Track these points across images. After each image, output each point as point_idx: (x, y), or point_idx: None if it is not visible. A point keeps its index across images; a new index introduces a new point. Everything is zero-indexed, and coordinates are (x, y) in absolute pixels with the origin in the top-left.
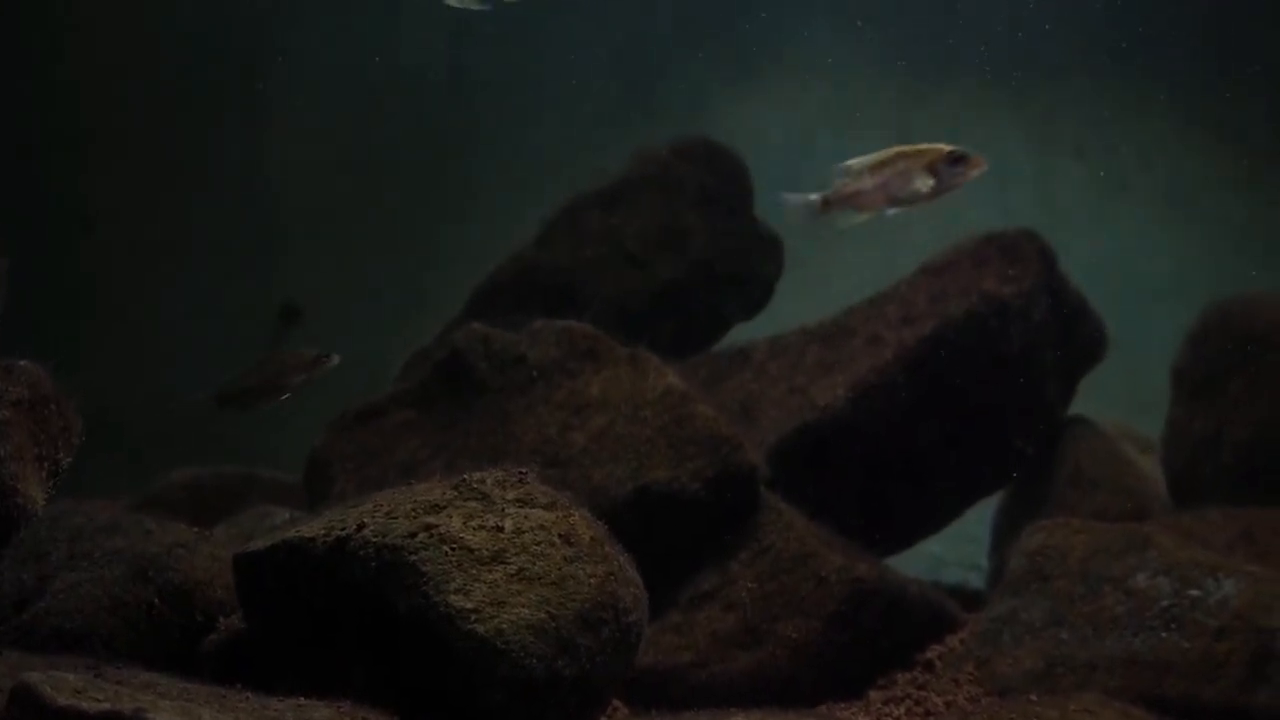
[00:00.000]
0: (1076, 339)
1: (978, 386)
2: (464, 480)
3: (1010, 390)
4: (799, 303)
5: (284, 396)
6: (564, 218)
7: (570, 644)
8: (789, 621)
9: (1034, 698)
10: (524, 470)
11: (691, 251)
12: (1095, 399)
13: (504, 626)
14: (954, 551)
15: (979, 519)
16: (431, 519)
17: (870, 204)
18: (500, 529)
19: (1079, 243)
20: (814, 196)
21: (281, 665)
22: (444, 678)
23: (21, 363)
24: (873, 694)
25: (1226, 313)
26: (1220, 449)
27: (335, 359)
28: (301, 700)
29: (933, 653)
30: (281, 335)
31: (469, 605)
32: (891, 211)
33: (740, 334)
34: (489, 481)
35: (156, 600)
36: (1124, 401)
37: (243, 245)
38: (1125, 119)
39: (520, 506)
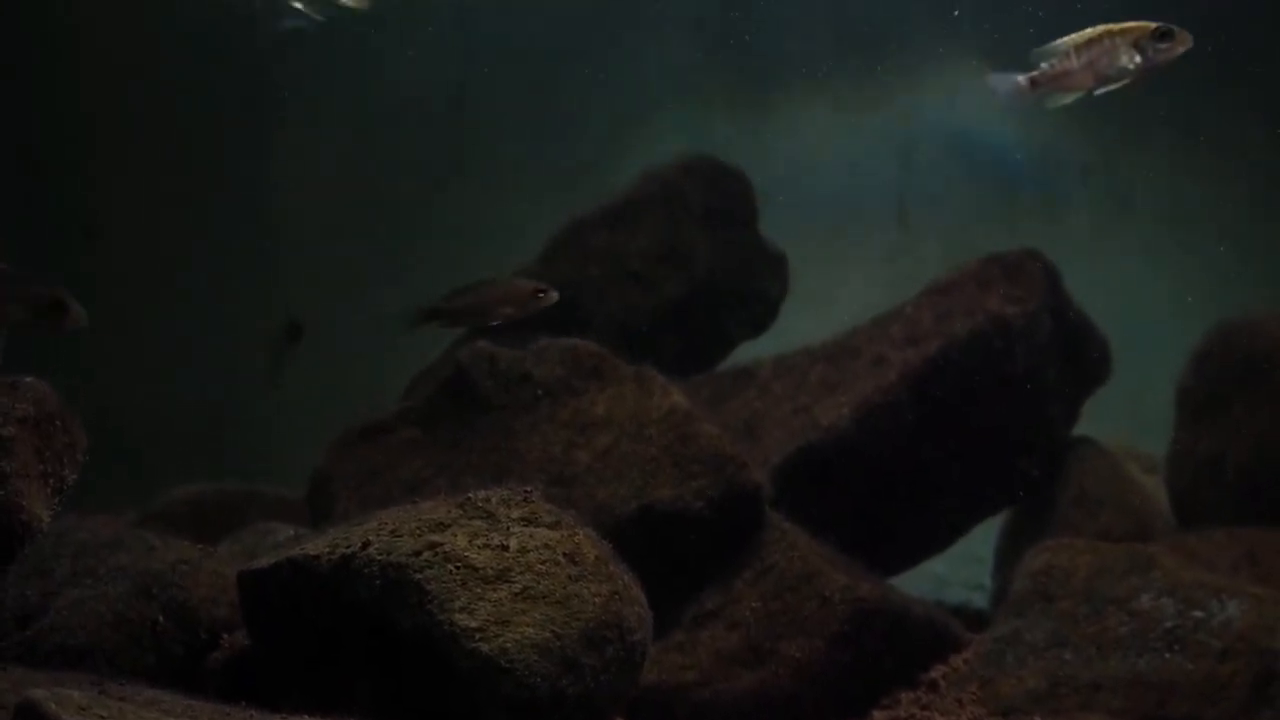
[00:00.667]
0: (1081, 359)
1: (982, 407)
2: (469, 499)
3: (1014, 410)
4: (803, 321)
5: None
6: (569, 235)
7: (574, 663)
8: (792, 641)
9: (1038, 718)
10: (529, 489)
11: (696, 270)
12: (1099, 419)
13: (508, 645)
14: (958, 571)
15: (983, 539)
16: (436, 537)
17: (1078, 84)
18: (505, 548)
19: (1084, 263)
20: (1021, 78)
21: (285, 683)
22: (448, 696)
23: (27, 379)
24: (876, 714)
25: (1230, 333)
26: (1224, 469)
27: (554, 295)
28: (305, 718)
29: (936, 673)
30: (284, 351)
31: (473, 624)
32: (1099, 91)
33: (745, 353)
34: (494, 500)
35: (160, 617)
36: (1128, 422)
37: (246, 260)
38: (1129, 139)
39: (525, 525)
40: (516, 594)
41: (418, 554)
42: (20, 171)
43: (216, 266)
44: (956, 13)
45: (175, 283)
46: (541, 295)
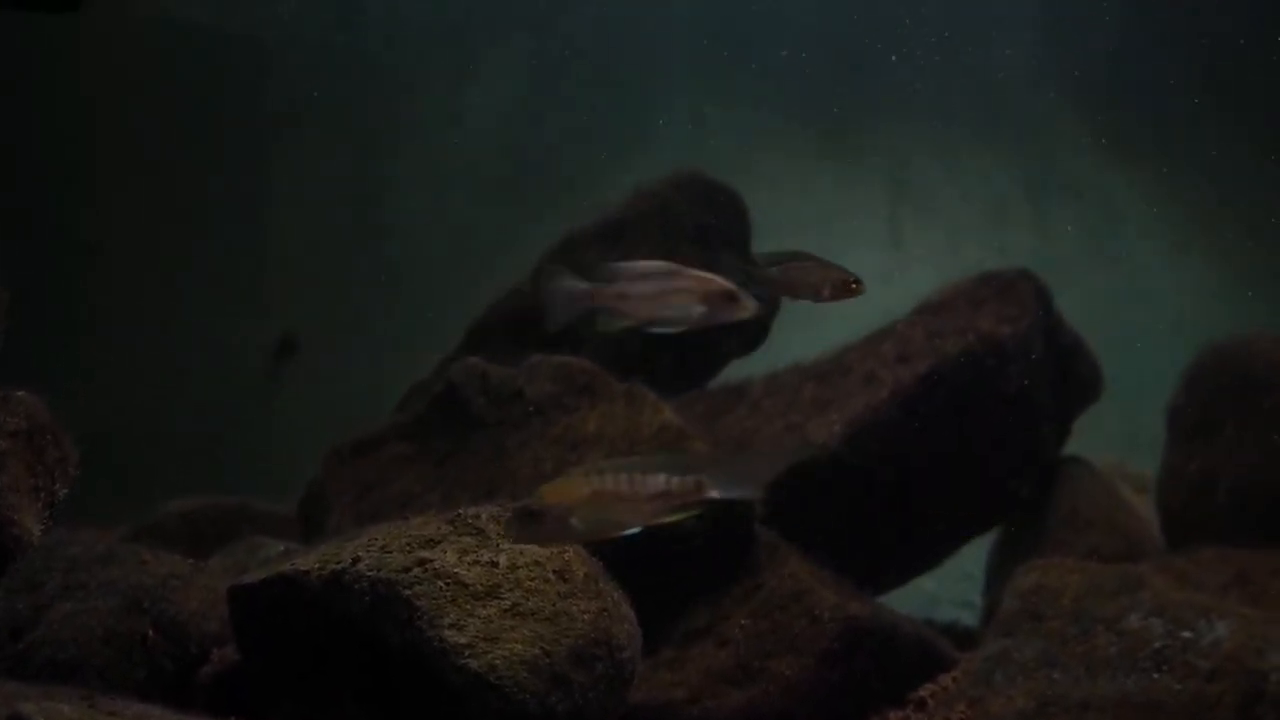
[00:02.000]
0: (1072, 379)
1: (974, 425)
2: (459, 515)
3: (1006, 429)
4: (796, 339)
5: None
6: (561, 251)
7: (563, 680)
8: (782, 659)
9: None
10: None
11: None
12: (1091, 438)
13: (497, 662)
14: (948, 588)
15: (974, 555)
16: (426, 554)
17: None
18: (495, 564)
19: (1076, 282)
20: None
21: (275, 697)
22: (437, 712)
23: (19, 393)
24: None
25: (1223, 354)
26: (1215, 490)
27: (864, 287)
28: None
29: (925, 691)
30: (278, 367)
31: (463, 640)
32: None
33: (737, 370)
34: (484, 516)
35: (151, 631)
36: (1119, 441)
37: (243, 276)
38: (1124, 158)
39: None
40: (506, 610)
41: (408, 570)
42: (20, 187)
43: (214, 279)
44: (893, 58)
45: (172, 296)
46: (855, 286)
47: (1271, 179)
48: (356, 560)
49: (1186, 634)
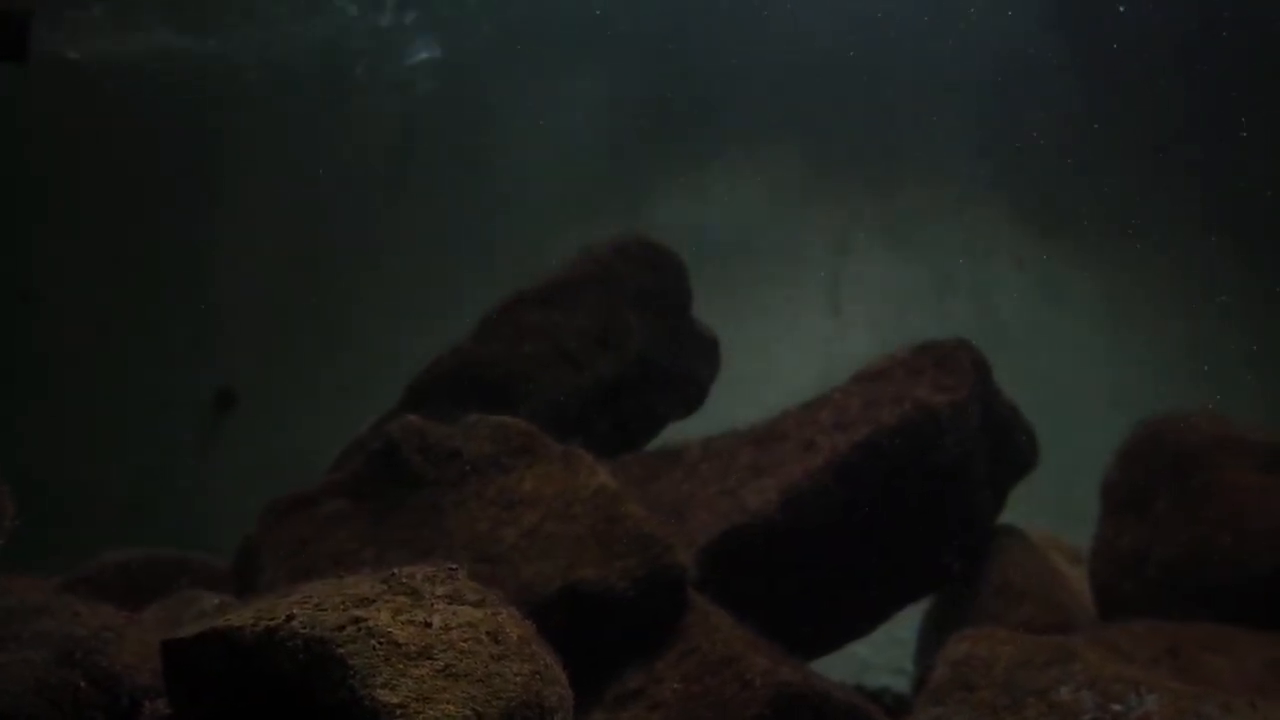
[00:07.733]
0: (1008, 449)
1: (909, 494)
2: (394, 574)
3: (941, 499)
4: (734, 404)
5: None
6: (503, 313)
7: None
8: None
9: None
10: (454, 566)
11: (629, 351)
12: (1026, 509)
13: None
14: (881, 655)
15: (907, 622)
16: (360, 612)
17: None
18: (428, 625)
19: (1016, 354)
20: None
21: None
22: None
23: None
24: None
25: (1157, 431)
26: (1146, 564)
27: None
28: None
29: None
30: (216, 420)
31: (395, 700)
32: None
33: (674, 434)
34: (419, 576)
35: (83, 684)
36: (1054, 513)
37: (182, 330)
38: (1065, 232)
39: (449, 603)
40: (439, 671)
41: (341, 628)
42: None
43: (153, 332)
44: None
45: (111, 348)
46: None
47: (1208, 254)
48: (290, 617)
49: (1117, 707)
